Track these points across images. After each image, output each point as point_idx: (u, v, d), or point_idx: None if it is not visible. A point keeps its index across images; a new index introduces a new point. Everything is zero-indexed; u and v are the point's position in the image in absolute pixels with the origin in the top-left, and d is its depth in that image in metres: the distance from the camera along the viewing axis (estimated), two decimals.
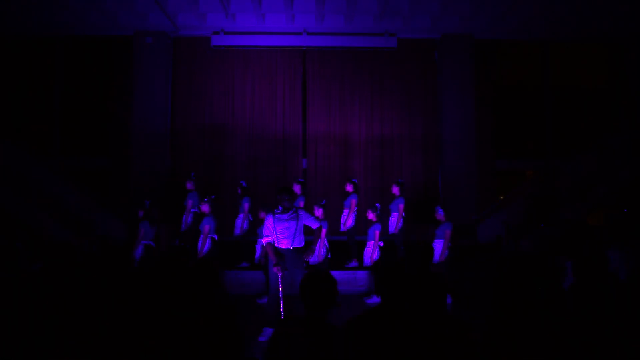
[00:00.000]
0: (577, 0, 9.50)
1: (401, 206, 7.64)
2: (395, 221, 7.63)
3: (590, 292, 2.94)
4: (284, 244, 5.09)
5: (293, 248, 5.09)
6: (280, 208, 5.13)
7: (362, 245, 7.34)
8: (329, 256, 6.69)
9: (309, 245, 5.12)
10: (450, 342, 2.24)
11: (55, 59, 10.81)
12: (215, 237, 6.91)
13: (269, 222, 5.11)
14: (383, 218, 7.52)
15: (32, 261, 4.51)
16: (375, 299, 6.91)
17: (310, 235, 5.39)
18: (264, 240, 5.12)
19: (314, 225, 5.23)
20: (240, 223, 7.95)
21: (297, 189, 7.72)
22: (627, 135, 9.37)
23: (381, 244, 7.02)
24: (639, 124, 9.52)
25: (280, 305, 4.96)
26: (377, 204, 7.34)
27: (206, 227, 6.76)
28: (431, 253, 3.69)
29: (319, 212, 6.81)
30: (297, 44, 10.47)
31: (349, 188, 7.97)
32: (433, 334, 2.26)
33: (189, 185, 8.06)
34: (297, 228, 5.10)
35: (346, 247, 8.02)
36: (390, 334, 2.32)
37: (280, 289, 4.98)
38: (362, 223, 8.24)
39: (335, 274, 2.51)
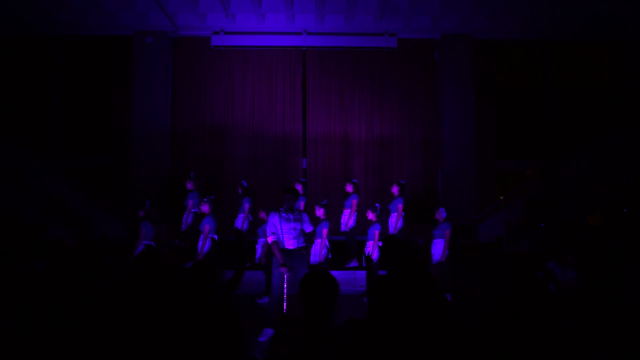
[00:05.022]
0: (577, 1, 9.51)
1: (400, 206, 7.63)
2: (394, 221, 7.63)
3: (592, 290, 2.95)
4: (290, 244, 5.12)
5: (297, 248, 5.14)
6: (285, 207, 5.15)
7: (362, 245, 7.34)
8: (330, 256, 6.70)
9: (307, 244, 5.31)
10: (452, 342, 2.24)
11: (55, 59, 10.80)
12: (216, 237, 6.91)
13: (274, 219, 5.10)
14: (383, 218, 7.51)
15: (32, 261, 4.51)
16: None
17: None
18: (270, 239, 5.09)
19: (309, 229, 5.35)
20: (241, 223, 7.94)
21: (298, 188, 7.72)
22: (627, 135, 9.37)
23: (381, 244, 7.02)
24: (639, 124, 9.52)
25: (283, 305, 4.96)
26: (377, 204, 7.34)
27: (206, 227, 6.76)
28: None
29: (320, 212, 6.80)
30: (297, 44, 10.47)
31: (349, 188, 7.97)
32: (434, 335, 2.26)
33: (189, 185, 8.05)
34: (301, 229, 5.23)
35: (346, 247, 8.02)
36: (391, 334, 2.32)
37: (285, 289, 4.98)
38: (362, 223, 8.24)
39: (335, 274, 2.51)
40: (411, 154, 10.51)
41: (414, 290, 2.30)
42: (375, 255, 6.93)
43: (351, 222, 7.83)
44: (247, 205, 7.96)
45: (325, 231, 6.59)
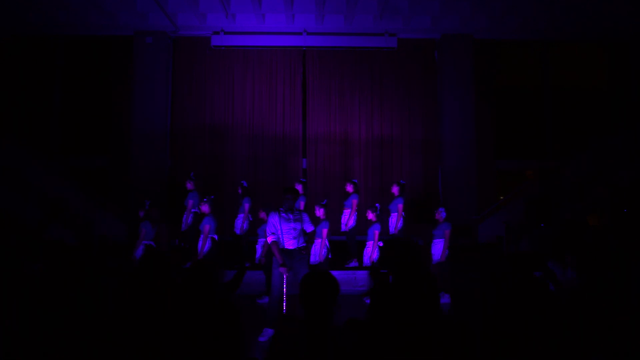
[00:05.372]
0: (577, 1, 9.51)
1: (400, 206, 7.64)
2: (394, 221, 7.63)
3: (592, 290, 2.95)
4: (290, 244, 5.12)
5: (298, 248, 5.14)
6: (285, 207, 5.15)
7: (362, 245, 7.34)
8: (330, 256, 6.70)
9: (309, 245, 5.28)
10: (449, 342, 2.24)
11: (55, 59, 10.80)
12: (216, 237, 6.91)
13: (274, 219, 5.11)
14: (383, 218, 7.51)
15: (32, 261, 4.51)
16: None
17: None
18: (270, 239, 5.09)
19: (309, 229, 5.35)
20: (241, 223, 7.95)
21: (298, 188, 7.73)
22: (627, 135, 9.37)
23: (380, 244, 7.02)
24: (639, 124, 9.52)
25: (283, 305, 4.96)
26: (376, 204, 7.34)
27: (206, 227, 6.76)
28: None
29: (320, 212, 6.81)
30: (297, 44, 10.47)
31: (349, 188, 7.97)
32: (431, 334, 2.26)
33: (189, 185, 8.06)
34: (302, 229, 5.22)
35: (346, 247, 8.02)
36: (389, 334, 2.32)
37: (284, 289, 4.98)
38: (362, 223, 8.25)
39: (335, 274, 2.50)
40: (411, 154, 10.51)
41: (414, 290, 2.30)
42: (375, 255, 6.94)
43: (351, 222, 7.83)
44: (247, 205, 7.97)
45: (325, 231, 6.60)
